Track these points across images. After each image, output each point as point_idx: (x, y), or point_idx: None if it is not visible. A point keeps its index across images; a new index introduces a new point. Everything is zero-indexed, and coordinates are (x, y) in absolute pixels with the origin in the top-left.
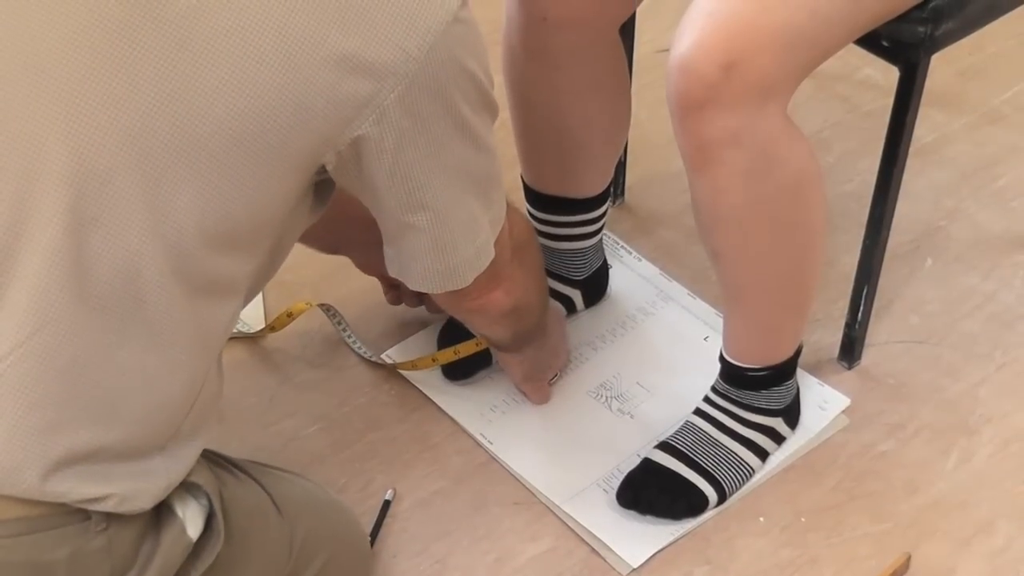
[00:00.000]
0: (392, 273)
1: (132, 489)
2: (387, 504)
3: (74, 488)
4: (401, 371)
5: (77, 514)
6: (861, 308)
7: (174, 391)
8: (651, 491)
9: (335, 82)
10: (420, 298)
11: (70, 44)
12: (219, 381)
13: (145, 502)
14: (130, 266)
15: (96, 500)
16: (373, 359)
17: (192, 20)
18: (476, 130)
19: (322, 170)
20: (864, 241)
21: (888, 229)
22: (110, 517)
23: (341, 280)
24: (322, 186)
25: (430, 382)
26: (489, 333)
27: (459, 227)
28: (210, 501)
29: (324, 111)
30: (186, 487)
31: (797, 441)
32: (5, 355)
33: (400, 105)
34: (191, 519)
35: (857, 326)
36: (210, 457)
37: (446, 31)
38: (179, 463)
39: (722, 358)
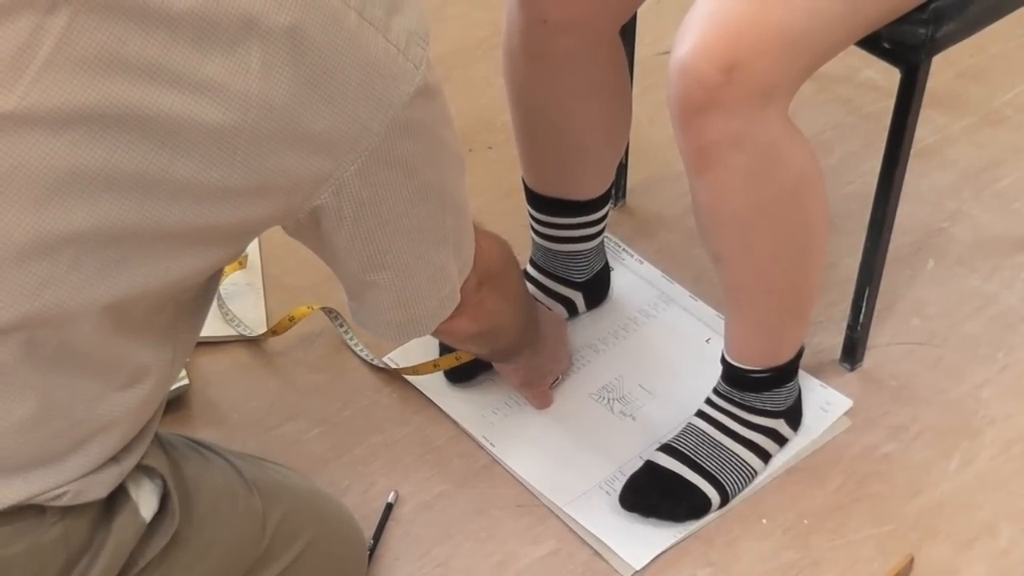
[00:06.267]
0: (356, 323)
1: (84, 484)
2: (389, 507)
3: (27, 497)
4: (405, 376)
5: (31, 508)
6: (863, 310)
7: (127, 425)
8: (654, 494)
9: (298, 163)
10: None
11: (51, 143)
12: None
13: (99, 492)
14: (71, 333)
15: (51, 498)
16: (375, 363)
17: (176, 123)
18: (440, 189)
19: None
20: (866, 243)
21: (890, 231)
22: (65, 507)
23: None
24: None
25: (432, 385)
26: (465, 349)
27: (423, 282)
28: (165, 482)
29: (285, 189)
30: (140, 468)
31: (799, 443)
32: None
33: (359, 177)
34: (145, 500)
35: (859, 328)
36: (177, 439)
37: (408, 103)
38: (130, 457)
39: (724, 360)
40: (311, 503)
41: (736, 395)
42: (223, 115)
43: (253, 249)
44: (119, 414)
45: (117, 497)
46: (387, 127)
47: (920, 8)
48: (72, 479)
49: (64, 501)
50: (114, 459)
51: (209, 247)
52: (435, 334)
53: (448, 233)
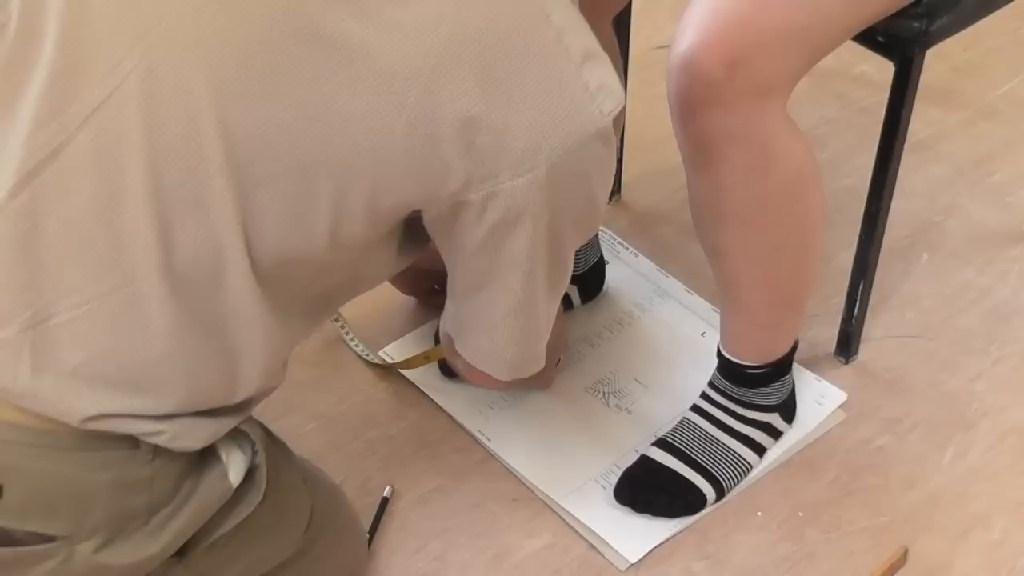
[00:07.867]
0: (446, 328)
1: (184, 430)
2: (385, 501)
3: (126, 426)
4: (398, 369)
5: (126, 440)
6: (857, 303)
7: (233, 380)
8: (649, 490)
9: (460, 152)
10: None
11: (232, 30)
12: (285, 366)
13: (195, 442)
14: (214, 255)
15: (149, 434)
16: (371, 358)
17: (354, 50)
18: (565, 245)
19: (416, 213)
20: (860, 237)
21: (884, 225)
22: (157, 449)
23: None
24: (413, 235)
25: (427, 380)
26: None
27: (524, 325)
28: (254, 452)
29: (439, 173)
30: (233, 435)
31: (794, 436)
32: (82, 302)
33: (512, 195)
34: (234, 466)
35: (853, 321)
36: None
37: (584, 144)
38: (231, 419)
39: (720, 354)
40: (334, 501)
41: (732, 390)
42: (399, 58)
43: None
44: (236, 382)
45: (207, 457)
46: (559, 157)
47: (914, 2)
48: (169, 414)
49: (160, 440)
50: (214, 415)
51: (371, 215)
52: (464, 373)
53: (551, 290)
